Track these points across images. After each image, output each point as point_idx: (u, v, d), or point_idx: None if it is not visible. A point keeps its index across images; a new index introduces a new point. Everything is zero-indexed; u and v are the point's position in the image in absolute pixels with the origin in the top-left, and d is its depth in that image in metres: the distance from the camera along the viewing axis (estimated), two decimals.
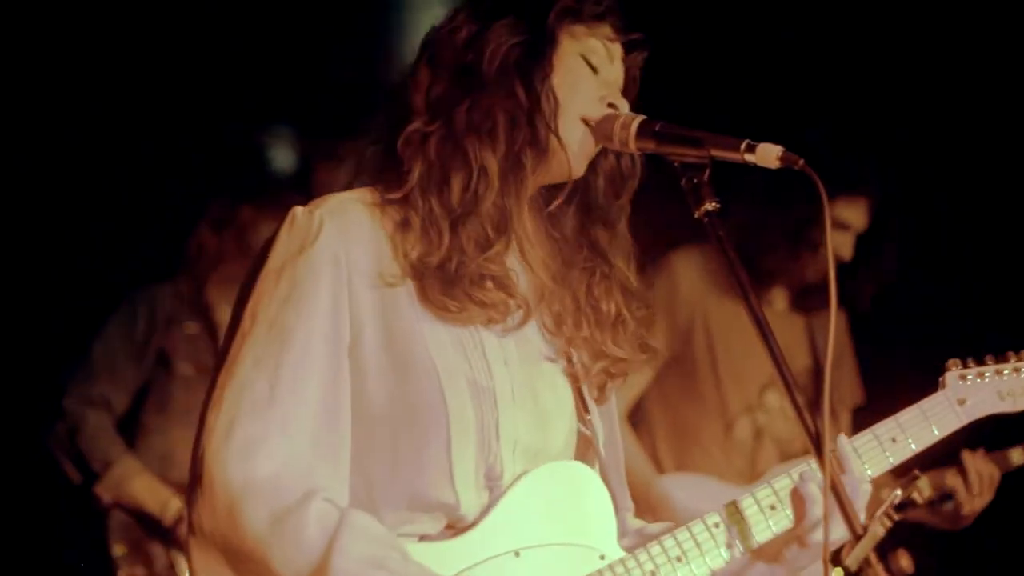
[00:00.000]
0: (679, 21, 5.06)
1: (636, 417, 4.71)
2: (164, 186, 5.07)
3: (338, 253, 2.35)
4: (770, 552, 2.53)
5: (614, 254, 2.55)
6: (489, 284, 2.40)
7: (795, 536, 2.50)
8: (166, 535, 4.62)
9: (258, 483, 2.24)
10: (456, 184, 2.39)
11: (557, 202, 2.51)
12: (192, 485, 2.31)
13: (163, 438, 4.71)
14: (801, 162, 2.31)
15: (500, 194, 2.40)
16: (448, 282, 2.37)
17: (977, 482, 4.15)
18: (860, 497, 2.45)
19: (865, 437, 2.62)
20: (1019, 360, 2.81)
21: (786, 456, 4.65)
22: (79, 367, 4.70)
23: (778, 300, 4.68)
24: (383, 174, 2.45)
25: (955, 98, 5.40)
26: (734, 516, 2.50)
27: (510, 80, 2.41)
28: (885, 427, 2.63)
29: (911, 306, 5.10)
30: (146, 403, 4.72)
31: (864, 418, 4.52)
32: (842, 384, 4.75)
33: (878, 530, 2.20)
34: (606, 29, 2.51)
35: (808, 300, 4.67)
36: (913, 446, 2.67)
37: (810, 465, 2.51)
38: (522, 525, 2.40)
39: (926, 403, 2.69)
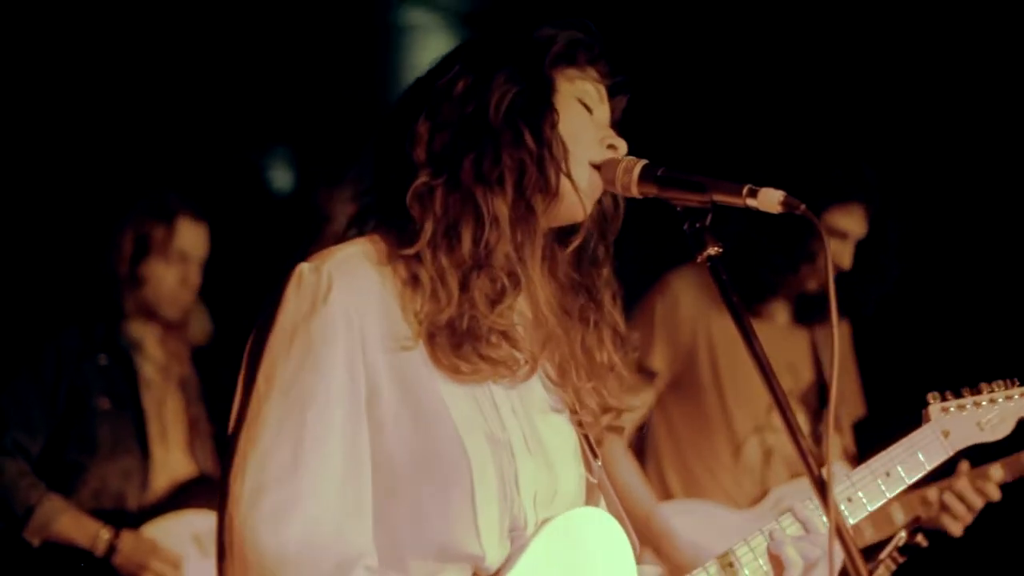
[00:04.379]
0: (664, 32, 5.08)
1: (640, 443, 4.65)
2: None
3: (350, 311, 2.34)
4: None
5: (603, 295, 2.56)
6: (497, 340, 2.39)
7: None
8: (100, 567, 4.61)
9: (291, 551, 2.23)
10: (467, 236, 2.37)
11: (576, 242, 2.50)
12: (222, 555, 2.29)
13: (92, 474, 4.69)
14: (803, 207, 2.32)
15: (512, 242, 2.39)
16: (457, 342, 2.37)
17: (963, 508, 4.17)
18: (837, 557, 2.32)
19: (861, 472, 2.68)
20: (991, 391, 2.90)
21: (796, 475, 4.58)
22: None
23: (780, 314, 4.64)
24: (388, 227, 2.44)
25: (945, 102, 5.41)
26: (746, 555, 2.55)
27: (517, 128, 2.40)
28: (879, 461, 2.69)
29: (909, 311, 5.11)
30: (68, 442, 4.69)
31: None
32: (845, 397, 4.72)
33: (883, 574, 2.21)
34: (595, 71, 2.52)
35: (810, 311, 4.62)
36: (906, 479, 2.74)
37: (777, 522, 2.58)
38: (548, 574, 2.40)
39: (915, 436, 2.77)
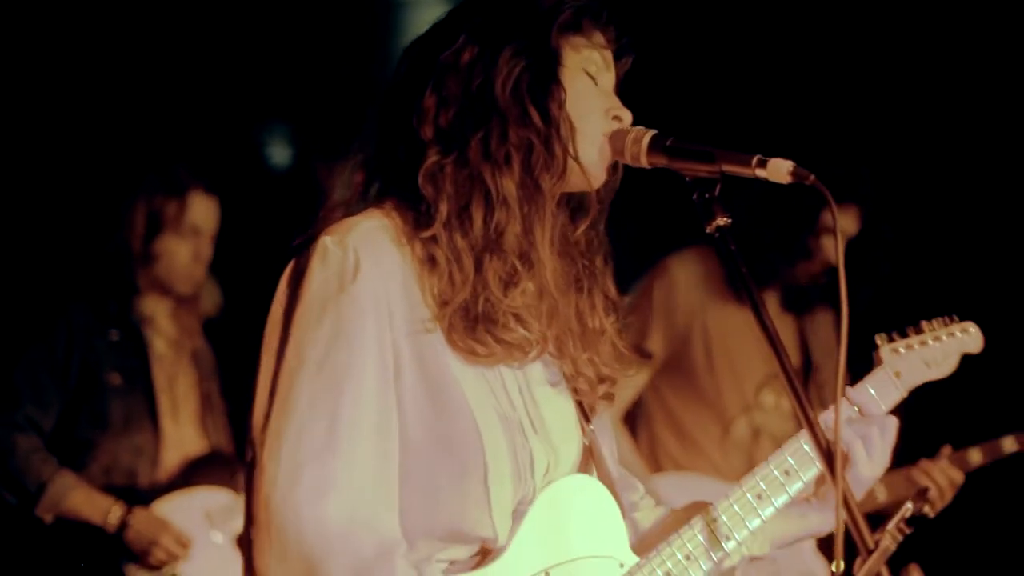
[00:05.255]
0: (668, 30, 5.10)
1: (635, 418, 4.79)
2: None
3: (378, 289, 2.34)
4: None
5: (595, 259, 2.56)
6: (513, 323, 2.39)
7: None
8: (112, 543, 4.62)
9: (332, 529, 2.23)
10: (478, 217, 2.37)
11: (584, 225, 2.51)
12: (254, 530, 2.28)
13: (103, 450, 4.70)
14: (812, 177, 2.34)
15: (522, 223, 2.39)
16: (472, 325, 2.37)
17: (937, 492, 4.33)
18: (890, 432, 2.61)
19: (824, 415, 2.67)
20: (932, 329, 2.92)
21: None
22: (0, 395, 4.68)
23: (769, 301, 4.73)
24: (400, 200, 2.43)
25: (941, 104, 5.47)
26: (728, 509, 2.58)
27: (524, 107, 2.39)
28: (843, 406, 2.69)
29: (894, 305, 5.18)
30: (79, 418, 4.70)
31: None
32: (832, 383, 4.79)
33: (889, 545, 2.22)
34: (601, 37, 2.50)
35: (798, 301, 4.76)
36: None
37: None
38: (546, 543, 2.41)
39: (871, 379, 2.79)
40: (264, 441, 2.30)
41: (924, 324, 2.91)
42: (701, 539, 2.52)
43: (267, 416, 2.32)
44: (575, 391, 2.54)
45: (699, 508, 2.61)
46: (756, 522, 2.56)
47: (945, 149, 5.49)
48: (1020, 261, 5.46)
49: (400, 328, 2.34)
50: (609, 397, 2.58)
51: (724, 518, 2.55)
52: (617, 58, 2.53)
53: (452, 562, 2.37)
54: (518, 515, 2.40)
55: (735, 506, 2.56)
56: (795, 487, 2.60)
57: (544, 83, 2.40)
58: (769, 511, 2.58)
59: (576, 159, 2.41)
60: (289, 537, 2.23)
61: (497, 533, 2.36)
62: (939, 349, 2.89)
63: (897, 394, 2.80)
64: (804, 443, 2.60)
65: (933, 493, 4.34)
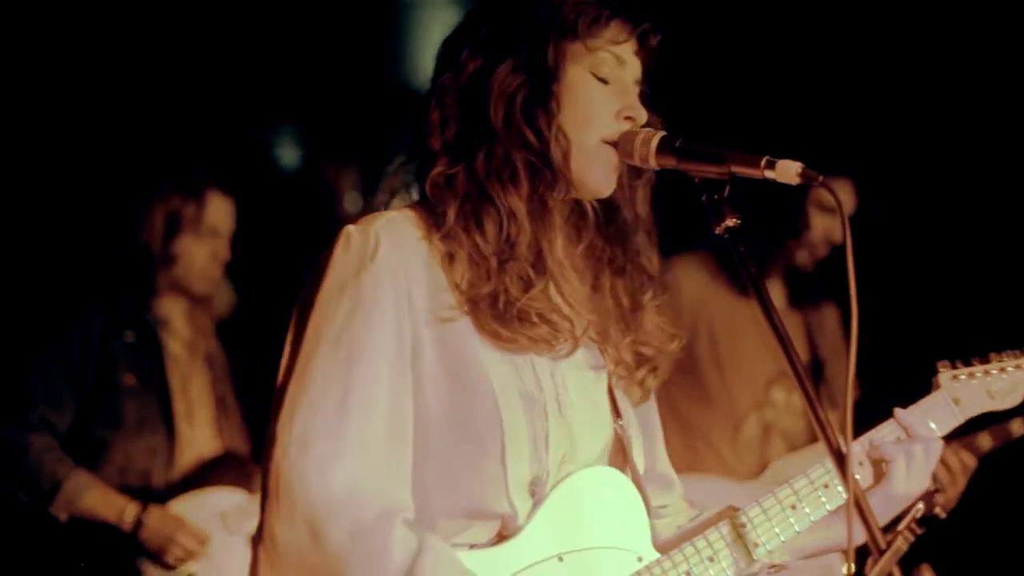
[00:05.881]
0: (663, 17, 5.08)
1: None
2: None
3: (397, 269, 2.38)
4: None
5: (635, 234, 2.57)
6: (536, 319, 2.42)
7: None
8: (127, 542, 4.62)
9: (338, 498, 2.27)
10: (490, 227, 2.41)
11: (588, 239, 2.53)
12: (266, 498, 2.34)
13: (118, 450, 4.70)
14: (821, 179, 2.33)
15: (533, 234, 2.42)
16: (498, 315, 2.40)
17: (947, 475, 4.32)
18: (934, 454, 2.59)
19: (874, 433, 2.67)
20: (1001, 360, 2.88)
21: (794, 449, 4.71)
22: (14, 395, 4.67)
23: (775, 295, 4.72)
24: (424, 202, 2.47)
25: (935, 82, 5.45)
26: (758, 516, 2.56)
27: (519, 126, 2.42)
28: (888, 428, 2.68)
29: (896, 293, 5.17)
30: (95, 419, 4.69)
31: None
32: (839, 378, 4.81)
33: (901, 545, 2.22)
34: (610, 34, 2.48)
35: (803, 294, 4.77)
36: None
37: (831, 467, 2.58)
38: (563, 530, 2.44)
39: (926, 403, 2.76)
40: (279, 413, 2.35)
41: (992, 355, 2.89)
42: (727, 543, 2.53)
43: (283, 390, 2.37)
44: (615, 378, 2.57)
45: (729, 512, 2.61)
46: (789, 533, 2.56)
47: (934, 116, 5.46)
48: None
49: (421, 307, 2.38)
50: (653, 371, 2.59)
51: (754, 525, 2.55)
52: (641, 43, 2.52)
53: (472, 545, 2.40)
54: (537, 499, 2.43)
55: (768, 514, 2.56)
56: (835, 502, 2.59)
57: (538, 101, 2.43)
58: (804, 523, 2.57)
59: (569, 176, 2.44)
60: (296, 502, 2.28)
61: (516, 511, 2.40)
62: (1006, 380, 2.85)
63: (954, 420, 2.78)
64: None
65: (945, 478, 4.29)
